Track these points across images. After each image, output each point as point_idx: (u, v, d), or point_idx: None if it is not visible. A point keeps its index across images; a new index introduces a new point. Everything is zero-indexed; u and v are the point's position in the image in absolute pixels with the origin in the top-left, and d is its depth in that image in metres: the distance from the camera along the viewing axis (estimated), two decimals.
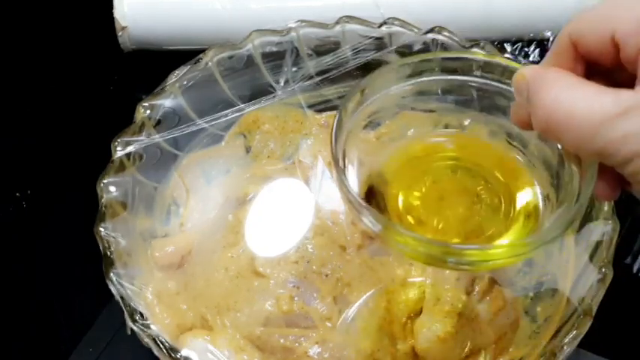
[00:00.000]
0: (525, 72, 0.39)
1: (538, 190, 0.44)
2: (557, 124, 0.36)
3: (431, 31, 0.56)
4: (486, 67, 0.46)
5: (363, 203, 0.41)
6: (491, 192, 0.45)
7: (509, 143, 0.55)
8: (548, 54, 0.40)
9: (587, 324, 0.47)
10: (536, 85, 0.38)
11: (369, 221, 0.41)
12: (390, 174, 0.46)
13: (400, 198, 0.44)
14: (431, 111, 0.58)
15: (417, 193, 0.45)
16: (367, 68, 0.58)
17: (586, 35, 0.38)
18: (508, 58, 0.46)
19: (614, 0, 0.37)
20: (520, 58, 0.67)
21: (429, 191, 0.45)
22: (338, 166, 0.42)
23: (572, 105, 0.36)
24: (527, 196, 0.44)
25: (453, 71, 0.47)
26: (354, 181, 0.44)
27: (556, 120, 0.36)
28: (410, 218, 0.44)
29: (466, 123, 0.56)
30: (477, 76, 0.46)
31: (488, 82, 0.46)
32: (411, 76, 0.46)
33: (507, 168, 0.46)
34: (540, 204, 0.44)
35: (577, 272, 0.50)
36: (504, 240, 0.43)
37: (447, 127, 0.58)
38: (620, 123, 0.35)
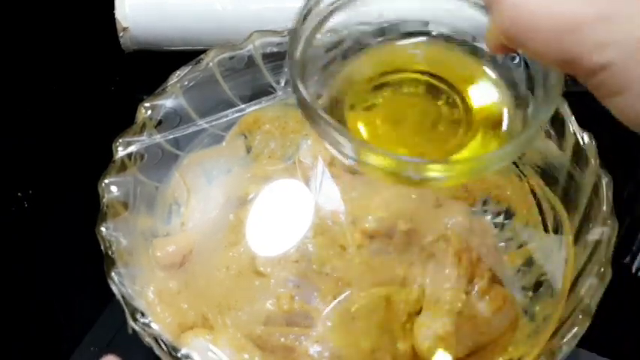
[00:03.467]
0: None
1: (505, 110, 0.42)
2: (523, 26, 0.33)
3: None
4: None
5: (329, 119, 0.38)
6: (454, 106, 0.43)
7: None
8: None
9: (586, 323, 0.47)
10: None
11: (334, 138, 0.38)
12: (350, 88, 0.43)
13: (358, 113, 0.42)
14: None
15: (376, 110, 0.43)
16: None
17: None
18: None
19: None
20: None
21: (390, 107, 0.43)
22: (296, 81, 0.39)
23: (540, 4, 0.33)
24: (492, 112, 0.42)
25: None
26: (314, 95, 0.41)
27: (522, 22, 0.33)
28: (369, 135, 0.42)
29: None
30: None
31: None
32: None
33: (475, 83, 0.43)
34: (505, 122, 0.42)
35: (576, 272, 0.50)
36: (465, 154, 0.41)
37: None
38: (599, 29, 0.32)
